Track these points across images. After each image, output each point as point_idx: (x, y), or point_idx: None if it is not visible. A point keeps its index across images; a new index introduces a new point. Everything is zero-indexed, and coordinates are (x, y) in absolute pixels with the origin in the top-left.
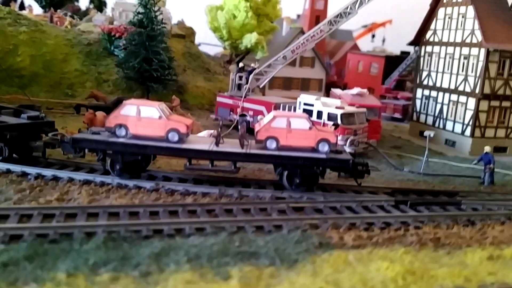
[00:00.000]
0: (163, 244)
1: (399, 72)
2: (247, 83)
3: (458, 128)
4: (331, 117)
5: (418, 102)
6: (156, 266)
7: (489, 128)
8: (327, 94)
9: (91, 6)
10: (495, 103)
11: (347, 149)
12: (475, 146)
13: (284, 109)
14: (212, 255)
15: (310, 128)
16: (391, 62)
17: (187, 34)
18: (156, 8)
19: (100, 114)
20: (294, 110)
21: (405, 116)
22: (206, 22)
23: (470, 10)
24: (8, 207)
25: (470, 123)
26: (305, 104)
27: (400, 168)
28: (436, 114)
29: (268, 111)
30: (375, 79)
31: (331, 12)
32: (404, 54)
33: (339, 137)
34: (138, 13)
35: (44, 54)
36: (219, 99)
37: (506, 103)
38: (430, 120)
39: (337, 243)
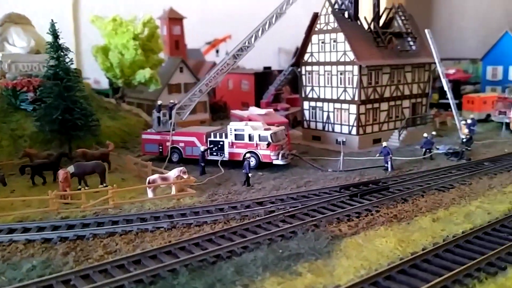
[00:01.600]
0: (230, 265)
1: (274, 87)
2: (170, 118)
3: (345, 129)
4: (262, 138)
5: (306, 112)
6: (247, 279)
7: (368, 126)
8: (213, 114)
9: None
10: (369, 106)
11: (281, 162)
12: (361, 141)
13: (215, 136)
14: (273, 263)
15: None
16: (260, 77)
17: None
18: (68, 60)
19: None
20: (226, 136)
21: (288, 124)
22: (98, 63)
23: (340, 36)
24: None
25: (355, 124)
26: (236, 130)
27: (324, 169)
28: (324, 121)
29: (200, 141)
30: (247, 94)
31: (188, 35)
32: (267, 69)
33: (272, 153)
34: (51, 66)
35: None
36: (145, 136)
37: (376, 105)
38: (319, 126)
39: (341, 234)
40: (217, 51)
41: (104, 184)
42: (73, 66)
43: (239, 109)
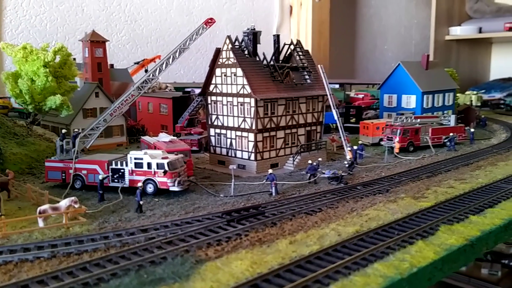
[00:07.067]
0: None
1: (188, 112)
2: (74, 146)
3: (245, 155)
4: (159, 166)
5: (212, 138)
6: None
7: (265, 152)
8: (130, 137)
9: None
10: (266, 134)
11: (177, 188)
12: (259, 166)
13: (116, 164)
14: None
15: None
16: (178, 102)
17: None
18: None
19: None
20: (126, 164)
21: (201, 148)
22: (7, 90)
23: (239, 71)
24: None
25: (253, 151)
26: (135, 158)
27: (217, 194)
28: (228, 146)
29: (102, 169)
30: (166, 118)
31: (117, 55)
32: (185, 93)
33: (169, 181)
34: None
35: None
36: (48, 164)
37: (273, 133)
38: (224, 151)
39: (206, 258)
40: (146, 71)
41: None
42: None
43: (159, 132)
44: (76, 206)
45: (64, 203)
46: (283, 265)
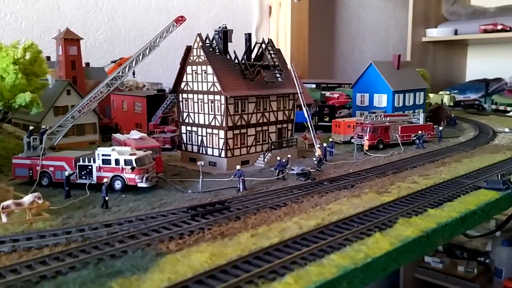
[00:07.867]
0: (52, 284)
1: (161, 111)
2: (41, 143)
3: (216, 152)
4: (127, 162)
5: (184, 136)
6: None
7: (236, 149)
8: (103, 135)
9: None
10: (237, 131)
11: (145, 184)
12: (229, 163)
13: (84, 161)
14: (92, 280)
15: None
16: (152, 100)
17: None
18: None
19: None
20: (94, 161)
21: (174, 146)
22: None
23: (209, 68)
24: None
25: (223, 148)
26: (103, 155)
27: (185, 191)
28: (199, 144)
29: (69, 166)
30: (140, 116)
31: (85, 55)
32: (160, 92)
33: (137, 177)
34: None
35: None
36: (15, 161)
37: (243, 130)
38: (195, 148)
39: (167, 251)
40: None
41: None
42: None
43: (133, 130)
44: (40, 201)
45: (27, 198)
46: (241, 257)
